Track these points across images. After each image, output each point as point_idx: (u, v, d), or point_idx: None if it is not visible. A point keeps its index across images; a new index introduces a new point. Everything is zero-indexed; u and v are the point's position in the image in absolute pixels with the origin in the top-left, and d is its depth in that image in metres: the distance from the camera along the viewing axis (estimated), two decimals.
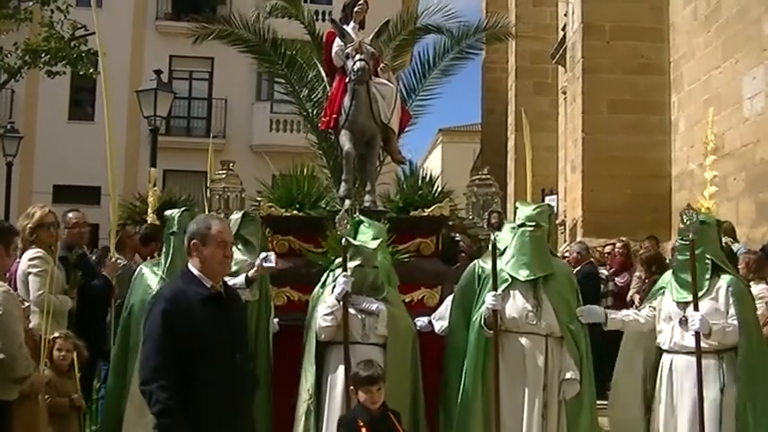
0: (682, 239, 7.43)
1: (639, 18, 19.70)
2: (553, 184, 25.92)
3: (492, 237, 7.55)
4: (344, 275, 7.51)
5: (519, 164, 26.95)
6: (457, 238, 11.29)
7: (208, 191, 13.22)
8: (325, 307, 7.53)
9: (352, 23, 11.33)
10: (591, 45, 19.86)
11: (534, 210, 7.60)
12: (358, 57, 10.44)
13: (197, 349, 5.41)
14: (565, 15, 23.51)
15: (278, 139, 32.79)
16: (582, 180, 19.13)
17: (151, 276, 8.34)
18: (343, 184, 10.54)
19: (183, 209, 9.01)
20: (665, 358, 7.36)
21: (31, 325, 7.58)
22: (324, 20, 13.85)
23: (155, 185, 12.28)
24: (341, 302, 7.44)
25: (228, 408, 5.52)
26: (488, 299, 7.29)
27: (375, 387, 6.90)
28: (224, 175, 12.78)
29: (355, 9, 11.45)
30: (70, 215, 9.84)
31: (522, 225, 7.49)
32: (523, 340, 7.28)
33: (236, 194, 12.50)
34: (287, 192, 10.55)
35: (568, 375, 7.22)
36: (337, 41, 11.09)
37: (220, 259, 5.66)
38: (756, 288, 9.96)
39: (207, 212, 11.66)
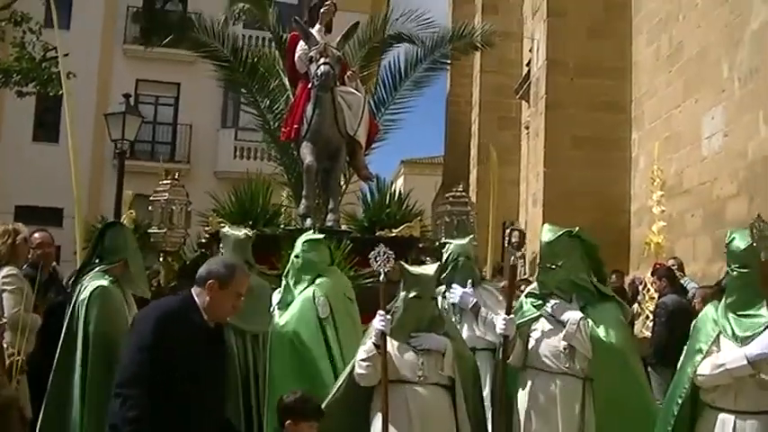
0: (739, 267, 5.66)
1: (603, 56, 19.97)
2: (515, 217, 26.15)
3: (513, 257, 7.10)
4: (380, 314, 6.46)
5: (481, 196, 27.22)
6: (428, 262, 9.95)
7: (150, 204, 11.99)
8: (362, 351, 6.55)
9: (317, 25, 10.65)
10: (555, 81, 20.10)
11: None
12: (323, 60, 9.84)
13: (176, 370, 5.36)
14: (530, 51, 23.81)
15: (242, 166, 32.66)
16: (543, 214, 19.31)
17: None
18: (303, 200, 9.93)
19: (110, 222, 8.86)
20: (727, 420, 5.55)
21: (3, 342, 7.64)
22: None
23: (130, 209, 12.08)
24: (380, 346, 6.41)
25: None
26: (498, 324, 6.62)
27: (307, 424, 6.46)
28: (168, 187, 11.43)
29: (321, 10, 10.74)
30: (36, 235, 9.72)
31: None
32: (556, 382, 6.40)
33: (180, 207, 11.30)
34: (239, 207, 10.02)
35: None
36: (301, 44, 10.42)
37: (229, 309, 5.67)
38: None
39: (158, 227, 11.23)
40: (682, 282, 12.89)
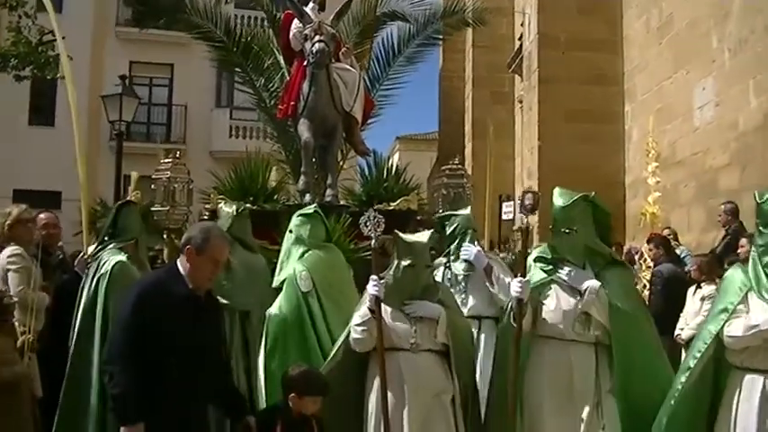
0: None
1: (594, 30, 20.18)
2: (510, 191, 26.30)
3: (525, 220, 6.88)
4: (373, 279, 6.38)
5: (477, 170, 27.35)
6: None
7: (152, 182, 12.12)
8: (357, 316, 6.50)
9: (311, 3, 10.76)
10: (547, 56, 20.36)
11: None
12: (317, 38, 9.93)
13: (163, 343, 5.41)
14: (521, 26, 23.93)
15: (237, 146, 32.67)
16: (538, 187, 19.43)
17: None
18: (302, 177, 10.06)
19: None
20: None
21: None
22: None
23: (136, 189, 12.13)
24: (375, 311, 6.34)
25: (183, 409, 5.51)
26: (513, 286, 6.33)
27: (311, 399, 6.48)
28: (169, 165, 11.47)
29: None
30: (41, 216, 9.71)
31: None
32: (570, 350, 6.26)
33: (182, 185, 11.35)
34: (239, 184, 10.13)
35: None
36: (295, 23, 10.51)
37: (207, 275, 5.66)
38: (707, 289, 10.43)
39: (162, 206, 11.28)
40: (677, 251, 13.05)
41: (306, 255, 7.82)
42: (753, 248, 5.78)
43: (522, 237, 6.62)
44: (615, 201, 18.96)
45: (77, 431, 7.53)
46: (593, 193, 6.46)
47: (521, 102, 25.67)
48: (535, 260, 6.54)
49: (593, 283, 6.21)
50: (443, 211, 10.16)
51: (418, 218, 10.19)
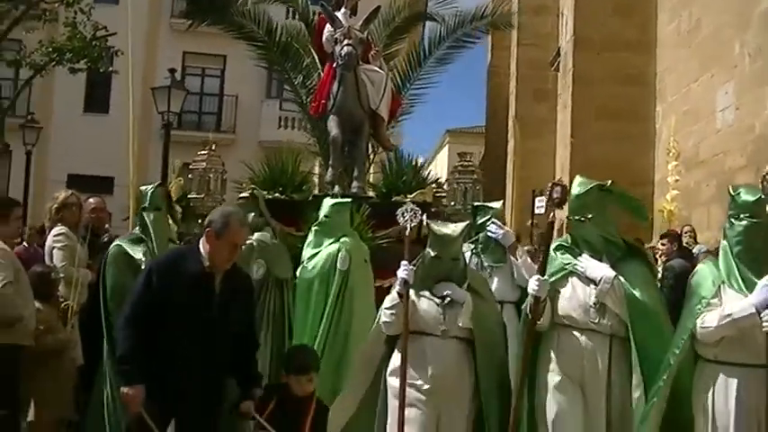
0: (749, 216, 5.67)
1: (628, 31, 20.61)
2: (546, 186, 26.61)
3: (552, 213, 6.67)
4: (404, 264, 6.39)
5: (518, 166, 27.74)
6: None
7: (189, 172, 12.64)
8: (387, 299, 6.54)
9: (343, 9, 11.31)
10: (581, 56, 20.90)
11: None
12: (346, 42, 10.49)
13: (170, 314, 5.73)
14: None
15: (285, 136, 33.09)
16: (570, 183, 19.87)
17: (137, 256, 8.18)
18: (330, 169, 10.68)
19: (156, 184, 9.18)
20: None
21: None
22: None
23: (179, 176, 12.72)
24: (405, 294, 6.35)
25: (186, 378, 5.79)
26: (531, 283, 6.16)
27: (304, 377, 6.88)
28: (206, 156, 12.03)
29: None
30: (90, 200, 10.36)
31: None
32: (583, 338, 6.11)
33: (217, 176, 11.89)
34: (270, 175, 10.76)
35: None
36: (328, 27, 11.11)
37: (225, 256, 5.88)
38: None
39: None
40: (695, 249, 13.42)
41: (345, 239, 8.49)
42: (724, 240, 5.79)
43: (546, 231, 6.64)
44: (644, 197, 19.36)
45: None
46: (610, 181, 6.33)
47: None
48: (556, 249, 6.38)
49: (607, 273, 6.07)
50: (455, 205, 11.04)
51: (433, 209, 10.55)
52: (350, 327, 8.21)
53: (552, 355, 6.20)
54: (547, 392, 6.17)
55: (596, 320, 6.05)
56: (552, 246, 6.40)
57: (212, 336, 5.86)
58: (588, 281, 6.13)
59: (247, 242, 8.22)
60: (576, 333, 6.11)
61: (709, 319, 5.51)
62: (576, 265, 6.23)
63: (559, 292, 6.21)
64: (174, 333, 5.77)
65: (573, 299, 6.14)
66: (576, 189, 6.27)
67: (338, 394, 7.01)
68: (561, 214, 6.39)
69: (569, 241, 6.39)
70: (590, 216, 6.21)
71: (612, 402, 6.01)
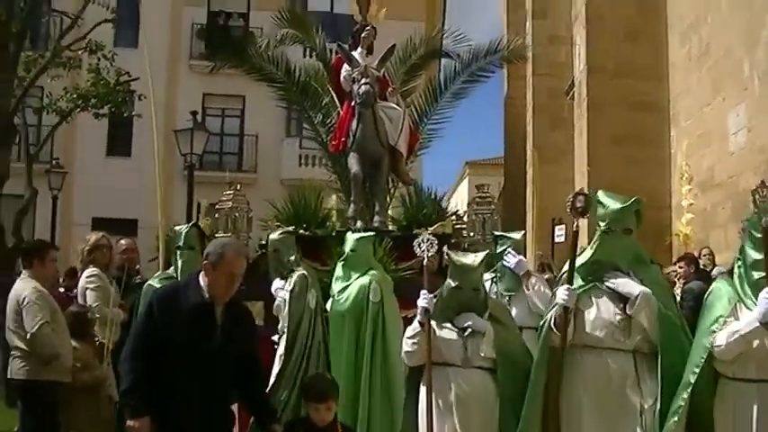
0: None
1: (640, 58, 20.85)
2: (564, 214, 26.68)
3: (575, 224, 6.41)
4: (424, 293, 6.53)
5: (534, 196, 27.82)
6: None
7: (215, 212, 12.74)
8: (408, 329, 6.63)
9: (359, 49, 11.67)
10: (595, 83, 21.10)
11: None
12: (363, 81, 10.78)
13: (171, 346, 5.75)
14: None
15: (306, 173, 33.22)
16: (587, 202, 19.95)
17: None
18: (351, 205, 10.98)
19: (191, 224, 9.58)
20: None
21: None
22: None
23: (206, 216, 12.95)
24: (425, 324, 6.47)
25: (190, 410, 5.81)
26: (560, 293, 6.17)
27: (323, 405, 6.86)
28: (231, 196, 12.21)
29: (363, 35, 11.80)
30: (122, 242, 10.87)
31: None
32: (608, 359, 6.06)
33: (243, 215, 12.05)
34: (294, 212, 11.02)
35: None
36: (345, 67, 11.44)
37: (223, 287, 5.90)
38: None
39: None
40: (714, 271, 13.56)
41: (372, 271, 8.82)
42: (738, 264, 5.83)
43: (571, 241, 6.48)
44: (661, 222, 19.50)
45: None
46: (640, 197, 6.35)
47: None
48: (576, 270, 6.30)
49: (643, 289, 6.03)
50: (474, 235, 11.28)
51: (452, 241, 10.71)
52: (390, 355, 8.46)
53: (577, 378, 6.15)
54: (579, 416, 6.11)
55: (621, 338, 6.02)
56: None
57: (212, 369, 5.91)
58: (613, 297, 6.12)
59: (301, 273, 8.72)
60: (599, 353, 6.08)
61: (720, 338, 5.57)
62: (605, 281, 6.19)
63: (582, 312, 6.16)
64: (174, 366, 5.81)
65: (597, 318, 6.10)
66: (615, 203, 6.24)
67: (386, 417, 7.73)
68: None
69: (588, 256, 6.32)
70: (631, 229, 6.20)
71: (647, 425, 5.93)
